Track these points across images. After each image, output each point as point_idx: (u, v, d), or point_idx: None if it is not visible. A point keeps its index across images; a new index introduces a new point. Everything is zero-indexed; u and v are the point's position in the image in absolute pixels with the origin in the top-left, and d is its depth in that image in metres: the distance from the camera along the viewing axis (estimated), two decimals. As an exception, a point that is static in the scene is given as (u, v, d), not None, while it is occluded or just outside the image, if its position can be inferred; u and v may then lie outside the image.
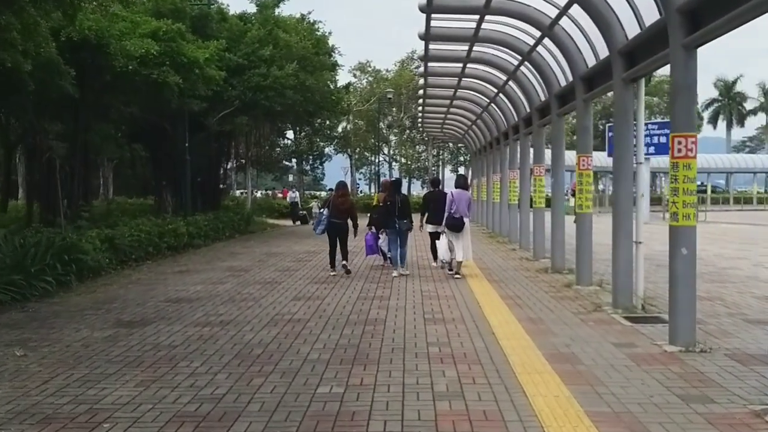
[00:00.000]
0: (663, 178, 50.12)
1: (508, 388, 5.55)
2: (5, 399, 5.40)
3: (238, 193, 52.20)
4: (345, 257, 13.01)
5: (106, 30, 13.60)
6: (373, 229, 13.89)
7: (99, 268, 12.61)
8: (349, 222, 12.93)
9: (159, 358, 6.63)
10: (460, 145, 51.45)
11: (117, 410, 5.12)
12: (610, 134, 15.90)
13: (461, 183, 13.06)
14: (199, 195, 24.14)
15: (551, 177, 13.61)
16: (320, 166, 58.88)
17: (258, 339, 7.42)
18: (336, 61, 31.15)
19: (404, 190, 14.18)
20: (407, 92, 52.96)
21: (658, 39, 7.56)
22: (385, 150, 61.70)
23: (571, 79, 11.43)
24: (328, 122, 45.71)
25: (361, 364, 6.32)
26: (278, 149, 47.45)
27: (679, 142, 6.83)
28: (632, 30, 8.54)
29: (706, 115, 70.61)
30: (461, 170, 56.60)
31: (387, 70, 59.24)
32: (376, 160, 58.67)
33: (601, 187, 47.59)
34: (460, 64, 15.95)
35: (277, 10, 26.80)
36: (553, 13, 10.57)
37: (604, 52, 9.62)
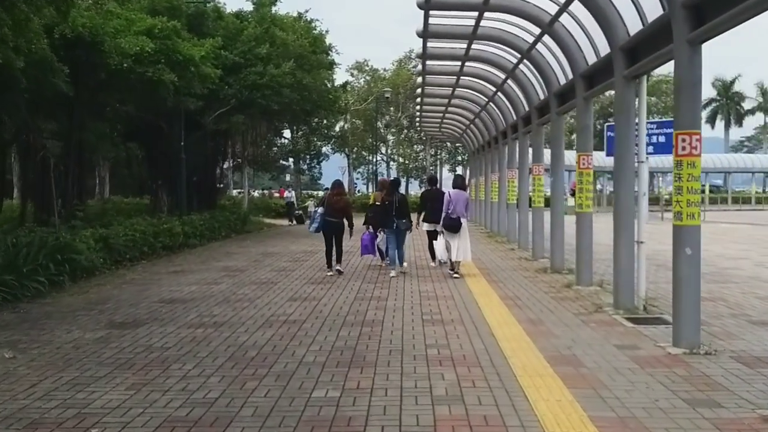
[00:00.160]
0: (661, 178, 50.08)
1: (509, 391, 5.40)
2: (-9, 403, 5.25)
3: (235, 192, 52.01)
4: (339, 259, 12.88)
5: (101, 27, 13.42)
6: (371, 229, 13.73)
7: (93, 268, 12.44)
8: (345, 221, 12.79)
9: (151, 361, 6.47)
10: (458, 144, 51.30)
11: (106, 415, 4.96)
12: (609, 134, 15.72)
13: (458, 183, 13.00)
14: (195, 194, 23.95)
15: (550, 176, 13.47)
16: (317, 166, 58.71)
17: (252, 341, 7.26)
18: (333, 59, 30.97)
19: (401, 190, 13.99)
20: (405, 92, 52.84)
21: (661, 35, 7.42)
22: (383, 149, 61.54)
23: (570, 77, 11.28)
24: (325, 121, 45.55)
25: (357, 367, 6.16)
26: (275, 148, 47.27)
27: (684, 140, 6.69)
28: (634, 26, 8.40)
29: (704, 114, 70.55)
30: (459, 170, 56.49)
31: (385, 70, 59.14)
32: (374, 160, 58.54)
33: (599, 187, 47.49)
34: (459, 63, 15.82)
35: (273, 9, 26.64)
36: (553, 9, 10.43)
37: (605, 49, 9.48)
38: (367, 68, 58.73)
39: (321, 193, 46.91)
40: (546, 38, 11.52)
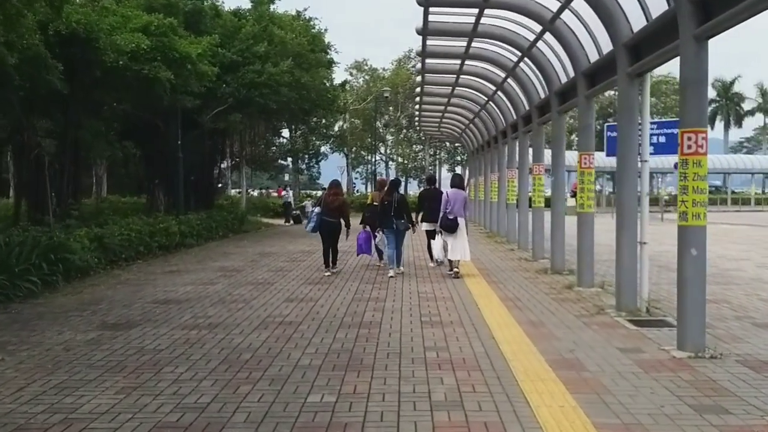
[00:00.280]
0: (660, 179, 49.96)
1: (510, 396, 5.24)
2: (-25, 408, 5.08)
3: (233, 192, 51.80)
4: (334, 260, 12.77)
5: (96, 24, 13.23)
6: (367, 228, 13.60)
7: (87, 267, 12.27)
8: (342, 221, 12.68)
9: (142, 363, 6.30)
10: (457, 144, 51.16)
11: (94, 420, 4.79)
12: (608, 134, 15.58)
13: (457, 182, 12.96)
14: (192, 193, 23.78)
15: (551, 176, 13.33)
16: (316, 165, 58.52)
17: (247, 343, 7.09)
18: (332, 58, 30.80)
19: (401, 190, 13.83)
20: (404, 91, 52.71)
21: (666, 31, 7.27)
22: (382, 149, 61.38)
23: (572, 75, 11.13)
24: (324, 121, 45.39)
25: (354, 371, 6.00)
26: (274, 148, 47.08)
27: (689, 138, 6.54)
28: (638, 22, 8.25)
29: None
30: (458, 169, 56.35)
31: (384, 69, 58.98)
32: (373, 160, 58.37)
33: (597, 187, 47.38)
34: (458, 61, 15.67)
35: (272, 7, 26.49)
36: (554, 6, 10.27)
37: (607, 46, 9.33)
38: (366, 68, 58.62)
39: (318, 193, 46.86)
40: (547, 36, 11.37)
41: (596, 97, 11.34)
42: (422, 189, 17.81)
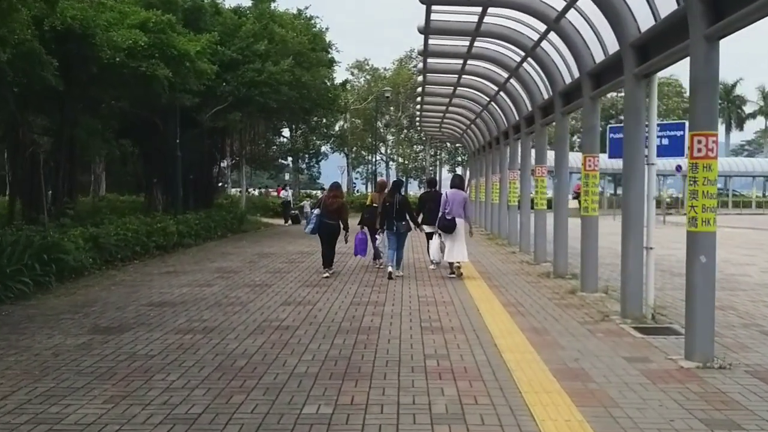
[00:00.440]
0: (662, 181, 49.72)
1: (513, 409, 5.03)
2: (-44, 417, 4.88)
3: (234, 191, 51.56)
4: (330, 262, 12.62)
5: (92, 20, 13.01)
6: (365, 229, 13.47)
7: (81, 268, 12.06)
8: (341, 224, 12.54)
9: (133, 370, 6.09)
10: (457, 145, 50.96)
11: (79, 432, 4.59)
12: (611, 135, 15.37)
13: (456, 183, 12.94)
14: (191, 192, 23.56)
15: (554, 178, 13.13)
16: (316, 165, 58.32)
17: (242, 349, 6.89)
18: (333, 57, 30.58)
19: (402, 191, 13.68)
20: (405, 91, 52.52)
21: (675, 30, 7.06)
22: (383, 149, 61.18)
23: (577, 75, 10.91)
24: (324, 120, 45.19)
25: (352, 380, 5.79)
26: (274, 147, 46.86)
27: (699, 141, 6.33)
28: (646, 22, 8.04)
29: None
30: (459, 170, 56.16)
31: (385, 69, 58.79)
32: (373, 160, 58.17)
33: (599, 189, 47.15)
34: (461, 60, 15.47)
35: (272, 5, 26.25)
36: (559, 5, 10.06)
37: (613, 46, 9.12)
38: (367, 67, 58.42)
39: (317, 193, 46.61)
40: (552, 35, 11.15)
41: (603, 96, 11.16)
42: (423, 191, 17.68)
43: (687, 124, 14.27)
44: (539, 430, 4.61)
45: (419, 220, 13.14)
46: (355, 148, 58.06)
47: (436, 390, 5.49)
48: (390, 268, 12.22)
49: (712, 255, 6.42)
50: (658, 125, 13.38)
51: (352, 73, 57.49)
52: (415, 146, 61.75)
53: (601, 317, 8.49)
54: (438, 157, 62.56)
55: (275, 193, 49.33)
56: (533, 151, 16.11)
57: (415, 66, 44.66)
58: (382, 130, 58.67)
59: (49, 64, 12.08)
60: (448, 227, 12.04)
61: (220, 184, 37.85)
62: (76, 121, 16.35)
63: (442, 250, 12.33)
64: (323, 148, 55.64)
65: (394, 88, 52.43)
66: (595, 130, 10.64)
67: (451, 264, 12.30)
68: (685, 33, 6.64)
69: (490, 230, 23.01)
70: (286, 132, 46.20)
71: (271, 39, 22.93)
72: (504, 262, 14.70)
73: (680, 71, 70.40)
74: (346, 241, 12.90)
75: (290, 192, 36.68)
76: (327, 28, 29.77)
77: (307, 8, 29.10)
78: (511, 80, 15.37)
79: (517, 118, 16.76)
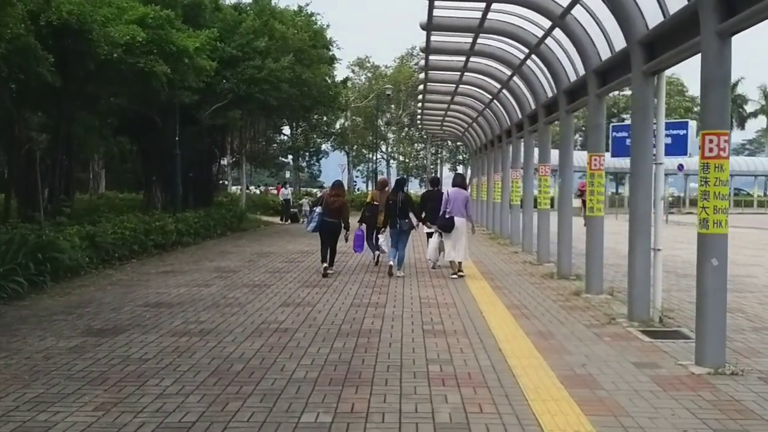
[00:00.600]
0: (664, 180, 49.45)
1: (520, 419, 4.83)
2: (-60, 425, 4.69)
3: (234, 189, 51.35)
4: (331, 261, 12.52)
5: (89, 15, 12.79)
6: (363, 226, 13.38)
7: (77, 267, 11.86)
8: (342, 223, 12.45)
9: (126, 375, 5.90)
10: (458, 143, 50.75)
11: (67, 442, 4.40)
12: (614, 134, 15.20)
13: (458, 182, 12.91)
14: (190, 190, 23.32)
15: (558, 177, 12.94)
16: (317, 163, 58.11)
17: (239, 352, 6.69)
18: (334, 54, 30.34)
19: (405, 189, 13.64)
20: (406, 89, 52.27)
21: (685, 27, 6.86)
22: (383, 147, 60.96)
23: (582, 73, 10.71)
24: (325, 118, 44.96)
25: (352, 386, 5.60)
26: (274, 145, 46.64)
27: (711, 141, 6.12)
28: (654, 18, 7.83)
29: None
30: (460, 169, 55.97)
31: (386, 66, 58.54)
32: (374, 158, 57.96)
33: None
34: (463, 58, 15.28)
35: (273, 1, 26.04)
36: (565, 1, 9.86)
37: (620, 43, 8.92)
38: (368, 65, 58.17)
39: (315, 191, 46.39)
40: (557, 32, 10.95)
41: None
42: (425, 190, 17.57)
43: (690, 123, 14.11)
44: (547, 442, 4.42)
45: (422, 216, 13.10)
46: (355, 147, 57.84)
47: (440, 397, 5.30)
48: (391, 262, 12.20)
49: (724, 258, 6.20)
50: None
51: (353, 71, 57.28)
52: (416, 144, 61.53)
53: (607, 320, 8.29)
54: (439, 155, 62.35)
55: (275, 191, 49.13)
56: (536, 150, 15.90)
57: (416, 63, 44.48)
58: (382, 128, 58.45)
59: (45, 60, 11.87)
60: (447, 226, 12.00)
61: (220, 182, 37.64)
62: (73, 118, 16.12)
63: (440, 249, 12.33)
64: (324, 146, 55.43)
65: (395, 86, 52.20)
66: (601, 129, 10.46)
67: (451, 263, 12.16)
68: (696, 29, 6.44)
69: (491, 230, 22.81)
70: (286, 130, 46.01)
71: (271, 36, 22.70)
72: (506, 263, 14.50)
73: (682, 70, 70.14)
74: (347, 240, 12.85)
75: (290, 190, 36.43)
76: (328, 25, 29.55)
77: (308, 5, 28.82)
78: (515, 78, 15.16)
79: (520, 116, 16.56)
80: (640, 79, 8.20)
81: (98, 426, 4.68)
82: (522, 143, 17.20)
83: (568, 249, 11.98)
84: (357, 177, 62.88)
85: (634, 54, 8.23)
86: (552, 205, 14.93)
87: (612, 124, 15.08)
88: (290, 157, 53.63)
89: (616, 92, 42.00)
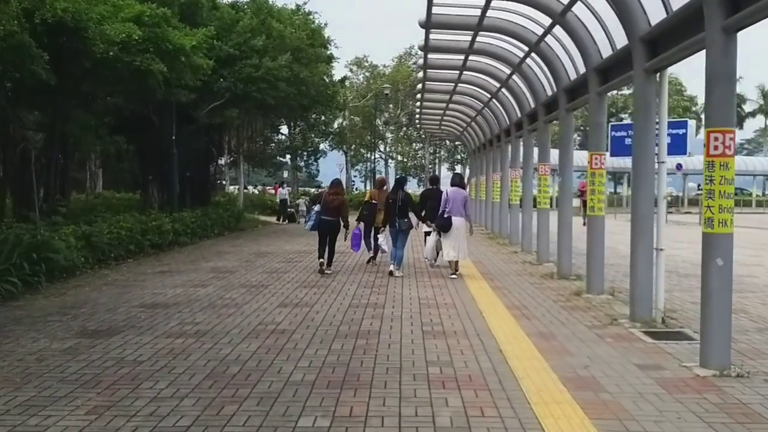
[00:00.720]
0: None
1: (523, 423, 4.72)
2: (-73, 430, 4.57)
3: (232, 188, 51.18)
4: (329, 262, 12.46)
5: (84, 12, 12.65)
6: (360, 225, 13.36)
7: (73, 267, 11.74)
8: (341, 221, 12.39)
9: (120, 377, 5.78)
10: (457, 143, 50.66)
11: (58, 447, 4.28)
12: (613, 133, 15.16)
13: (457, 181, 12.85)
14: (187, 190, 23.19)
15: (558, 176, 12.85)
16: (315, 163, 57.95)
17: (236, 354, 6.57)
18: (332, 53, 30.21)
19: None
20: (405, 88, 52.20)
21: (689, 23, 6.76)
22: (382, 147, 60.84)
23: (582, 71, 10.60)
24: (323, 117, 44.83)
25: (351, 388, 5.48)
26: (272, 144, 46.51)
27: (716, 138, 6.02)
28: (656, 14, 7.72)
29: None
30: (458, 168, 55.90)
31: (384, 66, 58.45)
32: (372, 158, 57.84)
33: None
34: (462, 56, 15.15)
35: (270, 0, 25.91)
36: (565, -2, 9.75)
37: (621, 40, 8.82)
38: (366, 64, 58.08)
39: (313, 191, 46.21)
40: (557, 29, 10.85)
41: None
42: (425, 189, 17.50)
43: (689, 122, 13.98)
44: (551, 447, 4.31)
45: (422, 215, 13.07)
46: (354, 146, 57.73)
47: (440, 400, 5.19)
48: (391, 266, 12.11)
49: (729, 258, 6.10)
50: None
51: (351, 70, 57.21)
52: (414, 144, 61.43)
53: (609, 321, 8.19)
54: (437, 155, 62.27)
55: (272, 191, 48.99)
56: (536, 149, 15.80)
57: (414, 63, 44.38)
58: (381, 128, 58.35)
59: (40, 58, 11.72)
60: (445, 226, 11.96)
61: (217, 182, 37.47)
62: (69, 117, 15.97)
63: (438, 249, 12.31)
64: (322, 146, 55.27)
65: (393, 86, 52.12)
66: (602, 127, 10.36)
67: (451, 263, 12.07)
68: (700, 25, 6.34)
69: (490, 229, 22.72)
70: (284, 129, 45.88)
71: (268, 34, 22.57)
72: (506, 263, 14.40)
73: (680, 69, 70.09)
74: (345, 238, 12.77)
75: (287, 190, 36.28)
76: (325, 24, 29.50)
77: (305, 3, 28.67)
78: (514, 76, 15.05)
79: (520, 115, 16.46)
80: (642, 76, 8.09)
81: (90, 430, 4.56)
82: (521, 142, 17.09)
83: (568, 249, 11.88)
84: (355, 177, 62.78)
85: (635, 51, 8.12)
86: (551, 205, 14.84)
87: (611, 124, 14.99)
88: (288, 156, 53.45)
89: (615, 92, 41.91)
